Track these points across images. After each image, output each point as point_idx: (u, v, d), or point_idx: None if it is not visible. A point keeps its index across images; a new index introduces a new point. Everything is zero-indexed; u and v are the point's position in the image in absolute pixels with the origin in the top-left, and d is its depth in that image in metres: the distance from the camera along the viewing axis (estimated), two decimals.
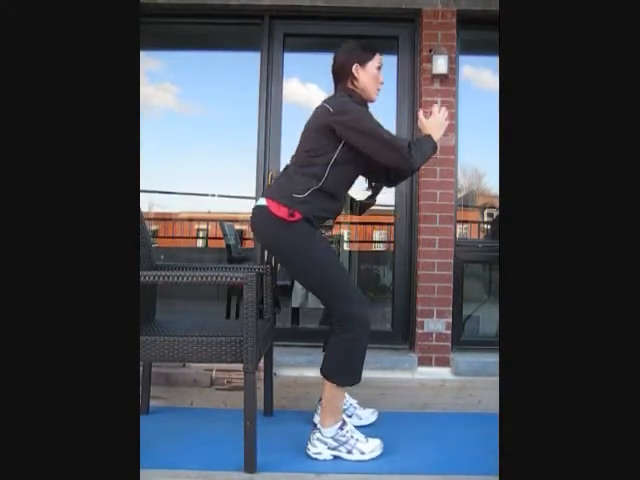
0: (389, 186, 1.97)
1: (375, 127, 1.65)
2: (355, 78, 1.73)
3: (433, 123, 1.74)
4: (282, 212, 1.63)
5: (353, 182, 1.81)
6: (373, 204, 1.93)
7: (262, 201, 1.70)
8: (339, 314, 1.61)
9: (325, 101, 1.72)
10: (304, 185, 1.66)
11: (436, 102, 1.80)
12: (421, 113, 1.79)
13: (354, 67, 1.72)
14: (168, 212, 4.59)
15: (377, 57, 1.76)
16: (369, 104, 1.78)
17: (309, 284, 1.74)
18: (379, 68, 1.76)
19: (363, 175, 1.85)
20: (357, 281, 2.89)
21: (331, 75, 1.79)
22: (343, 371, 1.62)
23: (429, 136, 1.72)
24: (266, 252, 2.13)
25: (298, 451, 1.65)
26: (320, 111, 1.70)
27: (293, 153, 1.77)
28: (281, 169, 2.67)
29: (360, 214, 1.89)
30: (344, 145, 1.66)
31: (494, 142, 1.55)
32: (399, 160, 1.65)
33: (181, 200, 3.78)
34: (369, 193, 1.91)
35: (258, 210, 1.71)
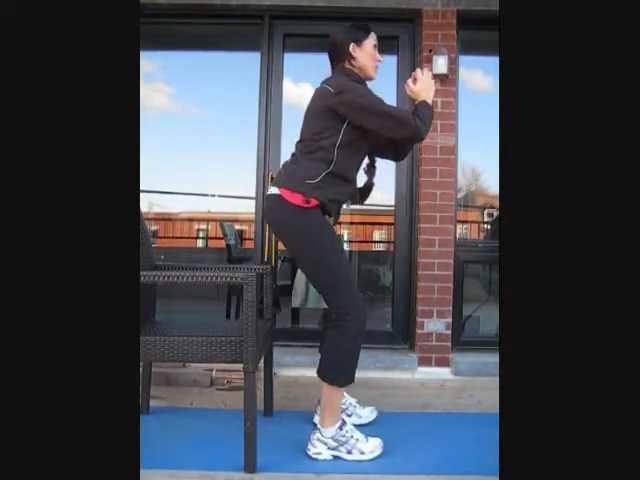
0: (396, 160, 1.97)
1: (377, 102, 1.66)
2: (353, 58, 1.74)
3: (422, 87, 1.74)
4: (297, 199, 1.63)
5: (362, 161, 1.82)
6: (372, 186, 1.90)
7: (274, 190, 1.69)
8: (338, 313, 1.61)
9: (324, 82, 1.72)
10: (315, 170, 1.65)
11: (419, 68, 1.80)
12: (410, 80, 1.77)
13: (351, 47, 1.73)
14: (168, 212, 4.59)
15: (372, 35, 1.77)
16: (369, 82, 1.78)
17: (315, 275, 1.70)
18: (375, 46, 1.77)
19: (370, 154, 1.84)
20: (357, 281, 2.89)
21: (328, 57, 1.80)
22: (337, 370, 1.62)
23: (424, 102, 1.72)
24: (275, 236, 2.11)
25: (298, 451, 1.65)
26: (320, 92, 1.70)
27: (297, 139, 1.76)
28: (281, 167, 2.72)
29: (362, 200, 1.87)
30: (348, 125, 1.66)
31: (494, 142, 1.55)
32: (406, 130, 1.65)
33: (181, 200, 3.78)
34: (365, 178, 1.88)
35: (271, 198, 1.70)
